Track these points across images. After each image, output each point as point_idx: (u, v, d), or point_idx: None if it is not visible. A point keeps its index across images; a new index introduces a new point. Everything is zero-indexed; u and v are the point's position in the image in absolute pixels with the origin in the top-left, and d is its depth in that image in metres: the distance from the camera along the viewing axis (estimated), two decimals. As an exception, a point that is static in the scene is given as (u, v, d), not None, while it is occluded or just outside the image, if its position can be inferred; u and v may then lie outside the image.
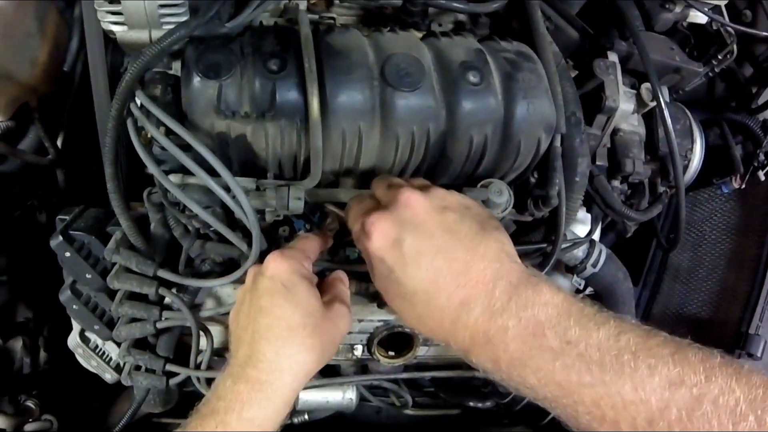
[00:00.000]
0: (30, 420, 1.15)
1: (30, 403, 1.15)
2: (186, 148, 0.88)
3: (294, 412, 1.41)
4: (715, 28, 1.27)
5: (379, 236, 0.75)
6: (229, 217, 0.96)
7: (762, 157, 1.25)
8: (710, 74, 1.30)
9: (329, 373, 1.43)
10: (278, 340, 0.77)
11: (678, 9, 1.18)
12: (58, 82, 1.14)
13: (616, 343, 0.59)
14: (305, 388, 1.32)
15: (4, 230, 1.10)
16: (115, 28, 0.95)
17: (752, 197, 1.32)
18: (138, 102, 0.87)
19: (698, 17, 1.22)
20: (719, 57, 1.27)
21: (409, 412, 1.45)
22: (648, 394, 0.56)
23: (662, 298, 1.42)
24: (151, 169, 0.86)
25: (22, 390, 1.16)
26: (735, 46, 1.26)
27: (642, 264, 1.46)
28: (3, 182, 1.11)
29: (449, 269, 0.70)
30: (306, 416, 1.41)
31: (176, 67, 0.96)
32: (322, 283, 0.89)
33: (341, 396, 1.33)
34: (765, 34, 1.29)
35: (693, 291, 1.36)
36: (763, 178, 1.25)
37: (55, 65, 1.12)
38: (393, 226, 0.74)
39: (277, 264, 0.81)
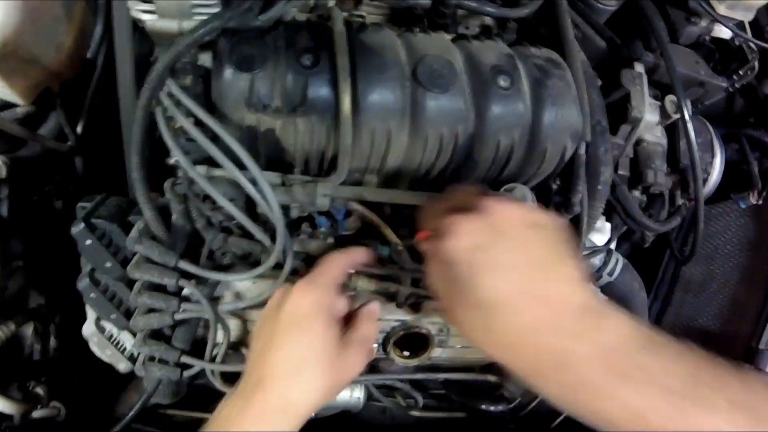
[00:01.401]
0: (38, 407, 1.14)
1: (39, 390, 1.14)
2: (213, 140, 0.89)
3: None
4: (737, 44, 1.28)
5: (465, 237, 0.71)
6: (251, 212, 0.96)
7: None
8: (730, 89, 1.31)
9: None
10: (289, 373, 0.77)
11: (703, 23, 1.19)
12: (82, 69, 1.13)
13: (693, 374, 0.59)
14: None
15: (20, 216, 1.08)
16: (144, 16, 0.94)
17: (767, 213, 1.32)
18: (167, 92, 0.87)
19: (722, 32, 1.23)
20: (740, 72, 1.28)
21: (414, 413, 1.45)
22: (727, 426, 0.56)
23: (673, 309, 1.43)
24: (180, 159, 0.86)
25: (31, 376, 1.15)
26: (756, 63, 1.27)
27: (654, 275, 1.47)
28: (21, 167, 1.10)
29: (530, 287, 0.67)
30: (312, 414, 1.40)
31: (203, 59, 0.95)
32: (351, 314, 0.90)
33: (349, 394, 1.33)
34: (785, 51, 1.30)
35: (704, 304, 1.37)
36: (781, 191, 1.26)
37: (80, 52, 1.11)
38: (482, 230, 0.71)
39: (301, 296, 0.81)
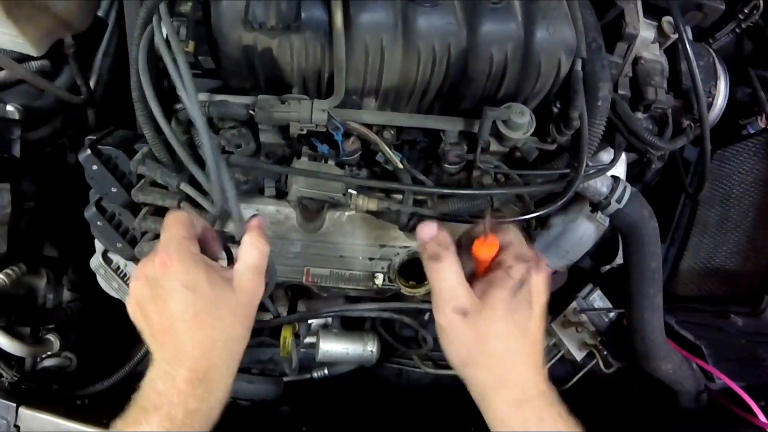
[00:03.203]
0: (49, 354, 1.16)
1: (51, 337, 1.16)
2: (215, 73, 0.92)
3: (314, 365, 1.40)
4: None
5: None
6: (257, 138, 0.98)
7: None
8: (737, 30, 1.31)
9: (350, 324, 1.43)
10: (193, 333, 0.74)
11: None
12: (92, 25, 1.18)
13: None
14: (325, 339, 1.31)
15: (33, 159, 1.12)
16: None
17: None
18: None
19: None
20: (746, 11, 1.27)
21: (429, 370, 1.43)
22: None
23: (690, 253, 1.40)
24: (172, 73, 0.87)
25: (44, 324, 1.17)
26: (761, 1, 1.26)
27: (669, 221, 1.44)
28: (36, 118, 1.14)
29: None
30: (326, 370, 1.40)
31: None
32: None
33: (362, 348, 1.32)
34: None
35: (721, 244, 1.34)
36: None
37: (91, 5, 1.16)
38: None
39: (165, 267, 0.75)
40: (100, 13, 1.20)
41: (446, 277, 0.79)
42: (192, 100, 0.79)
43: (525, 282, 0.79)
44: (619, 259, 1.47)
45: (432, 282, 0.81)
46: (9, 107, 1.09)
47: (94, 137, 0.99)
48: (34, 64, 1.14)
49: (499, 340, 0.77)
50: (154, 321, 0.75)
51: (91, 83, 1.20)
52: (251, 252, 0.82)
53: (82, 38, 1.16)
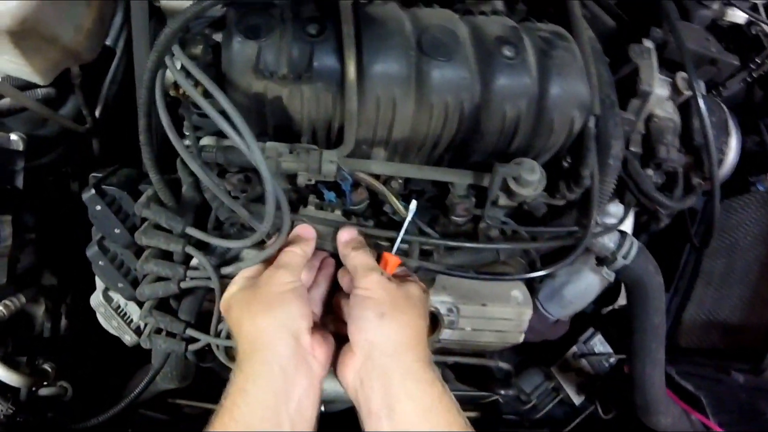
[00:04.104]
0: (45, 384, 1.14)
1: (46, 367, 1.15)
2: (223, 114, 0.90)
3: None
4: (754, 32, 1.26)
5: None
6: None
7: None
8: (748, 80, 1.29)
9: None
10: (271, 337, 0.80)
11: (716, 6, 1.18)
12: (101, 54, 1.16)
13: None
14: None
15: (35, 190, 1.11)
16: (159, -6, 0.98)
17: (787, 204, 1.29)
18: (177, 62, 0.88)
19: (736, 16, 1.21)
20: (757, 61, 1.26)
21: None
22: None
23: (693, 304, 1.39)
24: (164, 123, 0.87)
25: (40, 353, 1.16)
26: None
27: (674, 270, 1.43)
28: (40, 146, 1.13)
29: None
30: (322, 408, 1.38)
31: (216, 38, 0.98)
32: None
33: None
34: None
35: (725, 297, 1.33)
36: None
37: (99, 35, 1.14)
38: None
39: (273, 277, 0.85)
40: (108, 42, 1.19)
41: (369, 257, 0.90)
42: (251, 144, 0.82)
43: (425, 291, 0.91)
44: (621, 300, 1.47)
45: (354, 261, 0.89)
46: (13, 136, 1.07)
47: (99, 176, 0.98)
48: (39, 91, 1.13)
49: (409, 303, 0.86)
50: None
51: (97, 112, 1.19)
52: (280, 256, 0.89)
53: (89, 66, 1.15)
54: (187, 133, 0.95)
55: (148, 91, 0.91)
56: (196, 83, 0.87)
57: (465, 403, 1.40)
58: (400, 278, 0.91)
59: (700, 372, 1.34)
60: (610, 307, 1.50)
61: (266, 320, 0.81)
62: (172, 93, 0.94)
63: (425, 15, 0.97)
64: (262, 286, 0.84)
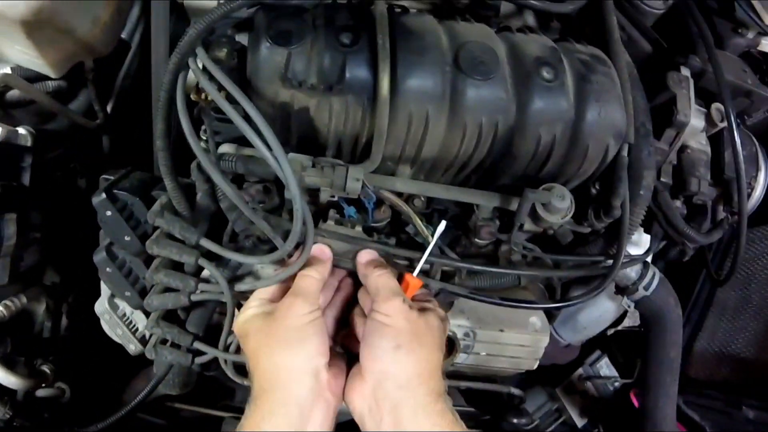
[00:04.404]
0: (43, 385, 1.10)
1: (45, 368, 1.11)
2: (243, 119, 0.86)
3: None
4: (784, 62, 1.24)
5: None
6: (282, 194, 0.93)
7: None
8: (774, 109, 1.27)
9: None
10: (290, 376, 0.79)
11: (750, 35, 1.15)
12: (115, 48, 1.12)
13: None
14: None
15: (42, 188, 1.06)
16: (182, -8, 0.94)
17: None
18: (199, 63, 0.84)
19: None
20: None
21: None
22: None
23: (706, 335, 1.37)
24: (186, 129, 0.83)
25: (39, 354, 1.12)
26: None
27: (687, 299, 1.41)
28: (48, 140, 1.08)
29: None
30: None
31: (241, 40, 0.94)
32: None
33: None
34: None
35: (739, 330, 1.31)
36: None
37: (115, 28, 1.10)
38: None
39: (292, 309, 0.81)
40: (123, 35, 1.14)
41: (392, 279, 0.87)
42: (280, 157, 0.78)
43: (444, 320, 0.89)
44: (628, 320, 1.44)
45: (377, 282, 0.86)
46: (21, 131, 1.02)
47: (110, 179, 0.93)
48: (50, 84, 1.08)
49: (428, 335, 0.83)
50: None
51: (109, 108, 1.14)
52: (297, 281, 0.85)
53: (103, 60, 1.10)
54: (204, 139, 0.91)
55: (168, 94, 0.86)
56: (220, 88, 0.83)
57: (466, 420, 1.39)
58: (419, 302, 0.88)
59: (708, 404, 1.32)
60: (615, 329, 1.48)
61: (285, 359, 0.78)
62: (193, 97, 0.90)
63: (463, 30, 0.93)
64: (280, 318, 0.80)
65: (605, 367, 1.41)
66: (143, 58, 1.12)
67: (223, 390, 1.28)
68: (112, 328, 1.02)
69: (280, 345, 0.79)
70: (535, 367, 1.09)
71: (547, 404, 1.42)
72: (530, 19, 1.10)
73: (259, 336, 0.81)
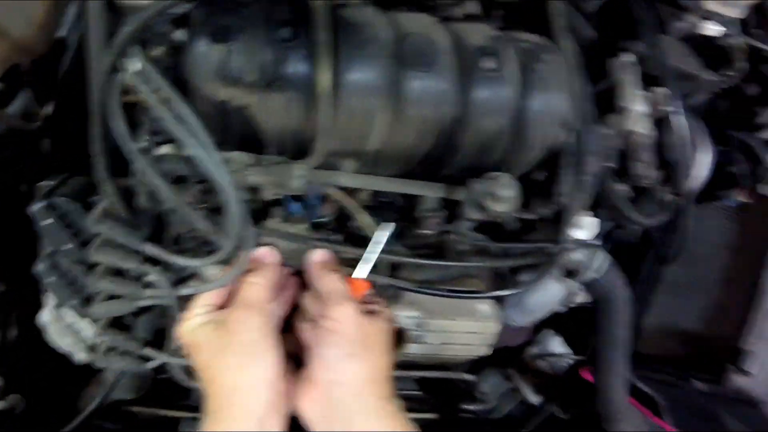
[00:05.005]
0: (-6, 397, 1.08)
1: (-4, 379, 1.08)
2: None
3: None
4: (724, 45, 1.25)
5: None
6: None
7: (764, 172, 1.25)
8: (716, 91, 1.29)
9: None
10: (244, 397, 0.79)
11: (691, 19, 1.17)
12: (54, 47, 1.08)
13: None
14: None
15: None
16: (117, -9, 0.90)
17: (749, 215, 1.31)
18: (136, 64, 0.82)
19: (710, 29, 1.20)
20: (729, 73, 1.26)
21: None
22: None
23: (654, 312, 1.40)
24: (121, 132, 0.82)
25: (-11, 365, 1.09)
26: (746, 63, 1.25)
27: (635, 277, 1.44)
28: (-15, 145, 1.04)
29: None
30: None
31: (179, 36, 0.91)
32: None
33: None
34: (776, 50, 1.28)
35: (686, 306, 1.35)
36: (765, 191, 1.25)
37: (52, 28, 1.06)
38: None
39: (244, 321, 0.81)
40: (61, 34, 1.10)
41: (342, 282, 0.87)
42: (213, 156, 0.78)
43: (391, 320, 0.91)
44: (579, 299, 1.46)
45: (328, 286, 0.86)
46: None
47: (48, 186, 0.90)
48: (-16, 87, 1.04)
49: (378, 340, 0.84)
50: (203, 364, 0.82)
51: (49, 108, 1.10)
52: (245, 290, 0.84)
53: (40, 60, 1.06)
54: (143, 140, 0.89)
55: (103, 95, 0.84)
56: (156, 87, 0.81)
57: (424, 405, 1.40)
58: (368, 305, 0.88)
59: (659, 378, 1.36)
60: (568, 307, 1.50)
61: (242, 375, 0.78)
62: (128, 98, 0.87)
63: (405, 21, 0.92)
64: (233, 333, 0.79)
65: (557, 345, 1.44)
66: (83, 58, 1.08)
67: (180, 390, 1.27)
68: (59, 338, 0.99)
69: (236, 363, 0.79)
70: (489, 353, 1.10)
71: (502, 384, 1.44)
72: (475, 7, 1.09)
73: (211, 349, 0.80)
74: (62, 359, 1.07)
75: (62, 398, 1.20)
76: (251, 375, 0.79)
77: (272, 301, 0.88)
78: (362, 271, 0.89)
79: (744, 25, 1.27)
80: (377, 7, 0.95)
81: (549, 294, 1.19)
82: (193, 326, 0.83)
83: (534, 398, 1.46)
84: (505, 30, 0.99)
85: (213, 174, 0.80)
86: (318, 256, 0.90)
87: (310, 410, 0.82)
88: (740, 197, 1.25)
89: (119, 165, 0.90)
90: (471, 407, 1.31)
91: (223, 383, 0.79)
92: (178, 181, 0.91)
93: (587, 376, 1.35)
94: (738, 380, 1.20)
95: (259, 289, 0.84)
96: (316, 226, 0.96)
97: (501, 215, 0.96)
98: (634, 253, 1.43)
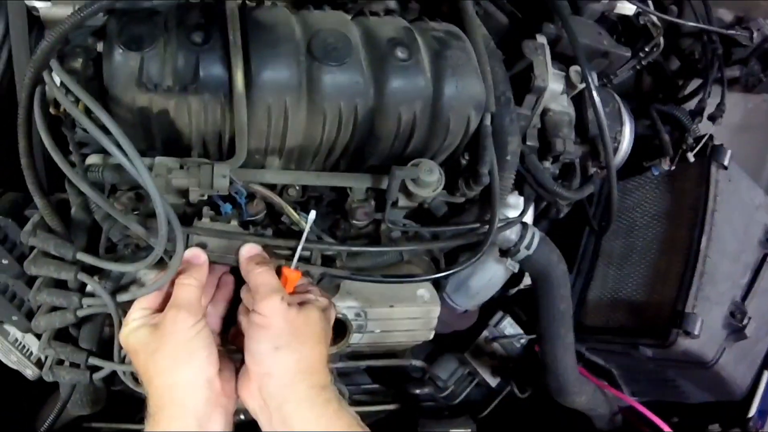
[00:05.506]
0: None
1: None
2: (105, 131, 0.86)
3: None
4: (642, 21, 1.30)
5: None
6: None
7: (690, 140, 1.30)
8: (637, 67, 1.34)
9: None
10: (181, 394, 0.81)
11: (606, 0, 1.21)
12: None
13: None
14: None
15: None
16: (38, 3, 0.92)
17: (680, 182, 1.35)
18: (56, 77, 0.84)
19: (625, 8, 1.25)
20: (646, 50, 1.30)
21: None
22: None
23: (597, 283, 1.44)
24: (46, 143, 0.84)
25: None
26: (662, 39, 1.30)
27: (575, 252, 1.48)
28: None
29: None
30: (242, 416, 1.37)
31: (99, 48, 0.93)
32: None
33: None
34: (692, 24, 1.33)
35: (627, 275, 1.38)
36: (692, 159, 1.29)
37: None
38: None
39: (176, 322, 0.82)
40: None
41: (272, 276, 0.88)
42: (135, 161, 0.77)
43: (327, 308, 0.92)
44: (526, 280, 1.50)
45: (257, 280, 0.87)
46: None
47: (-21, 203, 0.92)
48: None
49: (309, 330, 0.85)
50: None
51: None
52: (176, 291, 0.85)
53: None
54: (72, 152, 0.91)
55: (27, 110, 0.86)
56: (77, 99, 0.83)
57: (382, 396, 1.42)
58: (300, 295, 0.91)
59: (608, 348, 1.40)
60: (516, 289, 1.54)
61: (176, 375, 0.81)
62: (52, 111, 0.89)
63: (316, 18, 0.95)
64: (167, 334, 0.81)
65: (509, 327, 1.48)
66: (11, 75, 1.10)
67: (138, 403, 1.28)
68: (5, 356, 1.01)
69: (169, 362, 0.81)
70: (431, 337, 1.13)
71: (459, 369, 1.47)
72: (391, 3, 1.12)
73: (147, 352, 0.82)
74: (17, 378, 1.08)
75: (20, 419, 1.20)
76: (186, 374, 0.81)
77: (206, 301, 0.90)
78: (291, 263, 0.91)
79: (658, 3, 1.32)
80: (289, 6, 0.98)
81: (490, 275, 1.23)
82: (130, 330, 0.84)
83: (492, 380, 1.49)
84: (416, 21, 1.02)
85: (139, 180, 0.81)
86: (246, 250, 0.92)
87: (250, 402, 0.85)
88: (665, 166, 1.30)
89: (55, 178, 0.92)
90: (417, 391, 1.33)
91: (159, 384, 0.81)
92: (113, 189, 0.94)
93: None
94: (684, 343, 1.23)
95: (190, 289, 0.86)
96: (246, 224, 0.98)
97: (427, 199, 0.99)
98: (573, 229, 1.47)
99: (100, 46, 0.91)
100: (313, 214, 0.91)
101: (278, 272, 0.91)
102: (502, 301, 1.49)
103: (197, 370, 0.81)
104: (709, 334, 1.25)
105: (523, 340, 1.46)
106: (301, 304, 0.88)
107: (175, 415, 0.80)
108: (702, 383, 1.38)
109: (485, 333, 1.47)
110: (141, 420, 1.30)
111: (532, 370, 1.42)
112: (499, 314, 1.49)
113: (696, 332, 1.22)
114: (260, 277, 0.87)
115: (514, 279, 1.39)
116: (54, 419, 1.10)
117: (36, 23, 1.01)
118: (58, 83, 0.83)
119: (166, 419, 0.80)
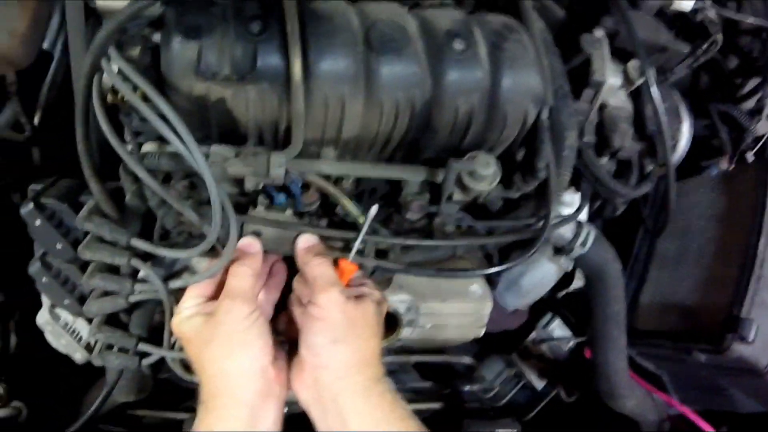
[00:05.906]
0: (-3, 405, 1.10)
1: (-1, 389, 1.10)
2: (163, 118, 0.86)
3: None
4: (699, 18, 1.26)
5: None
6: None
7: (749, 140, 1.26)
8: (694, 65, 1.30)
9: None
10: (238, 381, 0.81)
11: (665, -4, 1.18)
12: (37, 58, 1.11)
13: None
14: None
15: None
16: (95, -5, 0.93)
17: (738, 183, 1.31)
18: (114, 66, 0.84)
19: (683, 5, 1.21)
20: (703, 47, 1.27)
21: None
22: None
23: (649, 286, 1.40)
24: (105, 129, 0.84)
25: (-9, 373, 1.11)
26: (720, 36, 1.26)
27: (628, 254, 1.45)
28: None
29: None
30: (285, 408, 1.36)
31: (156, 38, 0.93)
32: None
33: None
34: (751, 21, 1.29)
35: (680, 279, 1.34)
36: (751, 158, 1.25)
37: (35, 39, 1.08)
38: None
39: (231, 312, 0.82)
40: (45, 45, 1.13)
41: (329, 267, 0.88)
42: (193, 148, 0.78)
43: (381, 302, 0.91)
44: (577, 282, 1.47)
45: (314, 271, 0.87)
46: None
47: (37, 189, 0.93)
48: (-28, 100, 1.08)
49: (365, 323, 0.85)
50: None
51: (36, 119, 1.13)
52: (230, 280, 0.85)
53: (26, 72, 1.09)
54: (128, 140, 0.91)
55: (85, 98, 0.86)
56: (135, 87, 0.83)
57: (427, 395, 1.41)
58: (355, 288, 0.90)
59: (659, 353, 1.36)
60: (565, 291, 1.51)
61: (231, 365, 0.81)
62: (110, 99, 0.90)
63: (373, 9, 0.94)
64: (222, 324, 0.81)
65: (558, 329, 1.45)
66: (67, 68, 1.11)
67: (183, 392, 1.29)
68: (56, 339, 1.02)
69: (224, 351, 0.81)
70: (482, 334, 1.11)
71: (506, 371, 1.45)
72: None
73: (201, 341, 0.82)
74: (64, 365, 1.09)
75: (65, 403, 1.22)
76: (239, 364, 0.81)
77: (259, 289, 0.90)
78: (349, 254, 0.90)
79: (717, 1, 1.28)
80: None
81: (542, 274, 1.21)
82: (183, 319, 0.84)
83: (538, 383, 1.47)
84: (473, 13, 1.01)
85: (195, 167, 0.82)
86: (304, 241, 0.91)
87: (302, 393, 0.84)
88: (723, 165, 1.26)
89: (109, 167, 0.93)
90: (467, 387, 1.31)
91: (212, 373, 0.81)
92: (167, 177, 0.94)
93: (590, 355, 1.36)
94: (738, 349, 1.19)
95: (244, 278, 0.85)
96: (301, 215, 0.98)
97: (483, 193, 0.97)
98: (626, 229, 1.44)
99: (156, 37, 0.92)
100: (375, 207, 0.90)
101: (334, 264, 0.90)
102: (551, 303, 1.46)
103: (252, 359, 0.81)
104: (763, 340, 1.21)
105: (571, 343, 1.44)
106: (357, 297, 0.87)
107: (228, 404, 0.80)
108: (753, 391, 1.34)
109: (533, 334, 1.45)
110: (185, 409, 1.34)
111: (580, 375, 1.39)
112: (549, 315, 1.46)
113: (751, 338, 1.18)
114: (318, 268, 0.87)
115: (564, 281, 1.37)
116: (100, 403, 1.11)
117: (91, 15, 1.02)
118: (116, 71, 0.84)
119: (219, 407, 0.80)
